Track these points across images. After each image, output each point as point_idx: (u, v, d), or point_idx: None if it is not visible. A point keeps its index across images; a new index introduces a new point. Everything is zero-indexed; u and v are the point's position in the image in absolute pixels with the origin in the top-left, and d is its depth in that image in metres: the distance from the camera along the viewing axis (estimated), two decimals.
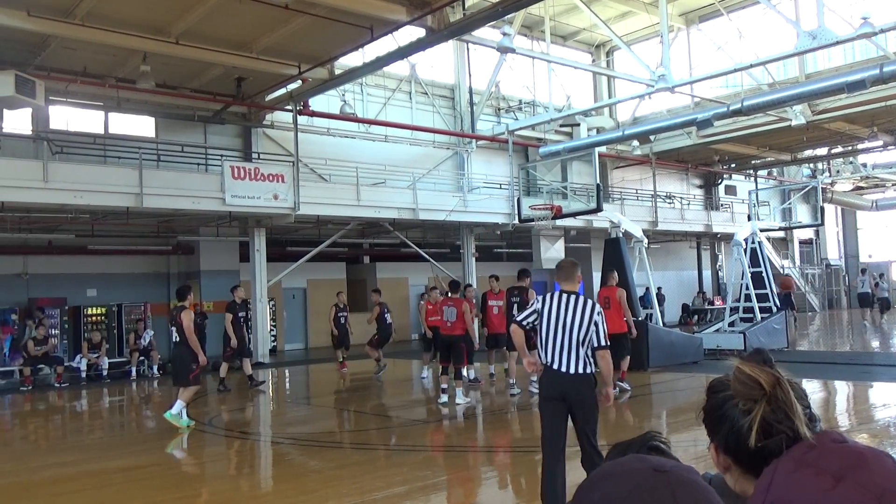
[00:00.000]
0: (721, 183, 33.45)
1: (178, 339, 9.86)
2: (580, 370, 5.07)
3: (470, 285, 15.80)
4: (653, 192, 27.25)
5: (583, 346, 5.09)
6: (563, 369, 5.07)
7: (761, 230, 19.08)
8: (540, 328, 5.17)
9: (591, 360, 5.16)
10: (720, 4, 22.12)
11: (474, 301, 13.79)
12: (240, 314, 14.15)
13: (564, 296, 5.19)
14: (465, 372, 12.04)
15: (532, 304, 5.35)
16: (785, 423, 1.24)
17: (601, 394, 5.31)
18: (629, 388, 11.52)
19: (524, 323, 5.29)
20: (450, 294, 11.71)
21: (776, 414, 1.25)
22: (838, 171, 33.00)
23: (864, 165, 32.71)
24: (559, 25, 25.05)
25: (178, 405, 9.77)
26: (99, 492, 6.95)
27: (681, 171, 30.53)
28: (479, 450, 8.60)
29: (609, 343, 5.28)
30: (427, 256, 21.92)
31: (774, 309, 17.05)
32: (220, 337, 15.06)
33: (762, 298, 17.11)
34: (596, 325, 5.13)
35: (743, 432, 1.26)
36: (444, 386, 11.07)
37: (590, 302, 5.21)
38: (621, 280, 14.73)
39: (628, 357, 11.76)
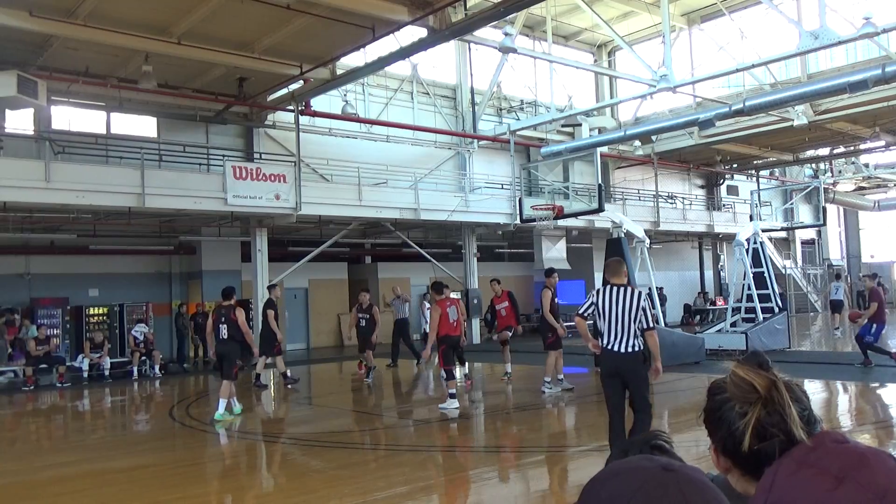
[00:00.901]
0: (723, 183, 33.42)
1: (226, 336, 10.41)
2: (631, 349, 6.15)
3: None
4: (655, 193, 27.23)
5: (634, 328, 6.10)
6: (617, 349, 6.14)
7: (763, 230, 19.06)
8: (598, 316, 6.22)
9: (641, 340, 6.19)
10: (722, 4, 22.08)
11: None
12: (359, 315, 14.26)
13: (615, 288, 6.21)
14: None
15: (589, 298, 6.40)
16: (780, 427, 1.24)
17: (652, 368, 6.27)
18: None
19: (584, 314, 6.44)
20: (433, 295, 11.68)
21: (771, 417, 1.25)
22: (840, 172, 32.97)
23: (867, 166, 32.67)
24: (561, 25, 25.05)
25: (221, 404, 10.23)
26: (100, 491, 6.95)
27: (683, 171, 30.51)
28: (480, 450, 8.60)
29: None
30: (429, 257, 21.91)
31: (776, 309, 17.04)
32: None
33: (764, 299, 17.10)
34: (644, 309, 6.14)
35: (738, 435, 1.26)
36: (453, 391, 10.58)
37: (637, 291, 6.28)
38: None
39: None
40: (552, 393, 11.40)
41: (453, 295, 12.70)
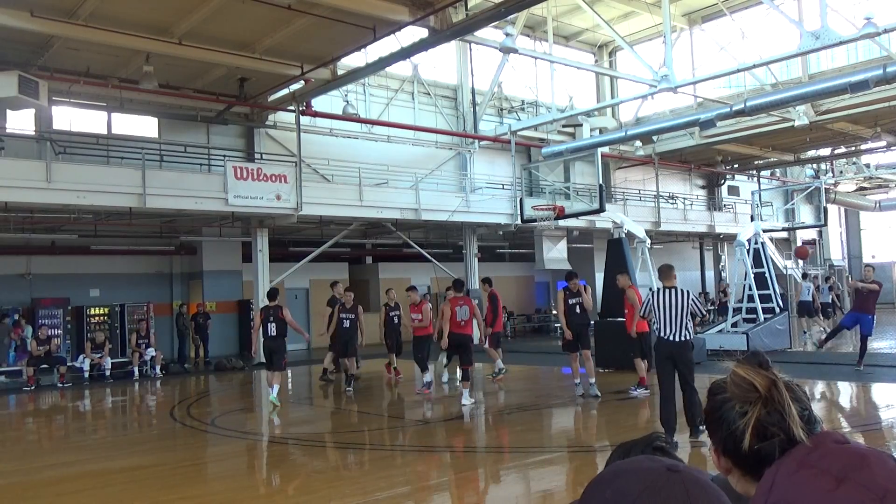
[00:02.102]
0: (724, 183, 33.41)
1: (274, 332, 11.54)
2: (682, 338, 7.58)
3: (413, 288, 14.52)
4: (655, 193, 27.22)
5: (685, 321, 7.57)
6: (671, 338, 7.58)
7: (764, 231, 19.04)
8: (653, 312, 7.73)
9: (690, 331, 7.65)
10: (723, 5, 22.08)
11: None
12: (342, 314, 13.40)
13: (667, 290, 7.74)
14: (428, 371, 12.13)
15: (646, 301, 7.98)
16: (780, 426, 1.24)
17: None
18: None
19: (644, 314, 8.19)
20: (451, 294, 11.66)
21: (771, 417, 1.24)
22: (841, 172, 32.95)
23: (868, 166, 32.66)
24: (562, 26, 25.05)
25: (275, 389, 11.46)
26: (101, 491, 6.95)
27: (683, 171, 30.51)
28: (481, 450, 8.60)
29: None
30: (429, 257, 21.92)
31: (777, 309, 17.03)
32: (223, 336, 15.13)
33: (765, 299, 17.09)
34: (693, 303, 7.75)
35: (739, 435, 1.26)
36: (467, 390, 10.92)
37: (685, 291, 7.82)
38: None
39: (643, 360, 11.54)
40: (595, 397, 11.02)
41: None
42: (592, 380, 11.23)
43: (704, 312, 7.98)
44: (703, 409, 1.35)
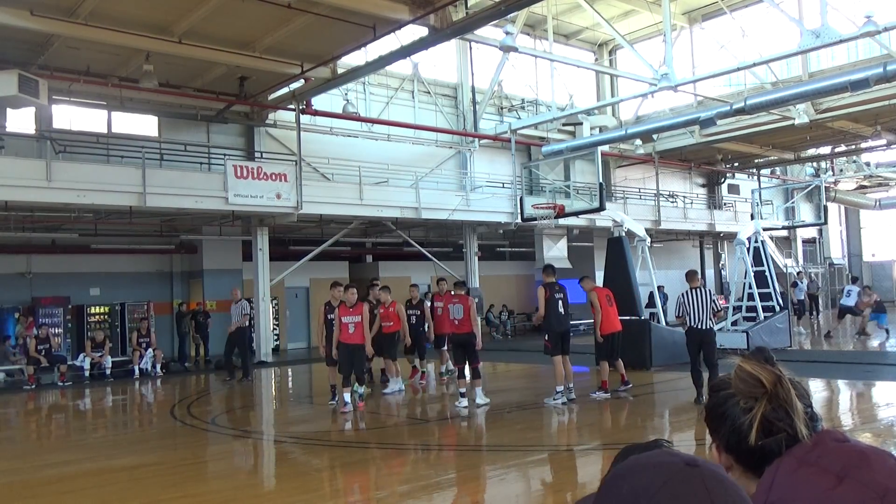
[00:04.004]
0: (724, 182, 33.40)
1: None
2: (707, 327, 9.93)
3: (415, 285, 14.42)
4: (656, 191, 27.22)
5: (709, 313, 9.90)
6: (699, 327, 9.92)
7: (764, 229, 19.03)
8: (685, 308, 10.00)
9: (714, 321, 10.12)
10: (723, 3, 22.06)
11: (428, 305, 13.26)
12: (409, 311, 12.94)
13: (694, 290, 10.04)
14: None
15: (679, 303, 10.14)
16: (785, 422, 1.24)
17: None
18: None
19: (679, 314, 10.25)
20: (452, 292, 11.43)
21: (777, 412, 1.25)
22: (842, 170, 32.95)
23: (868, 164, 32.65)
24: (562, 24, 25.03)
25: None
26: (102, 490, 6.96)
27: (684, 169, 30.50)
28: (481, 449, 8.60)
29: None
30: (430, 256, 21.92)
31: (777, 308, 17.04)
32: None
33: (765, 297, 17.09)
34: (714, 301, 10.07)
35: (743, 430, 1.25)
36: (463, 390, 10.43)
37: (708, 290, 10.34)
38: (624, 279, 14.76)
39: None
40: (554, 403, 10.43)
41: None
42: (570, 384, 10.59)
43: (719, 308, 10.55)
44: (704, 406, 1.36)
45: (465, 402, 10.35)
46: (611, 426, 9.70)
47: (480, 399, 10.52)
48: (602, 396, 10.89)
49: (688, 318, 9.99)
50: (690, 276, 10.30)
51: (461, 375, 10.63)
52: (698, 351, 9.97)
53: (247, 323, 15.42)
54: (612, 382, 11.28)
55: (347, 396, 10.42)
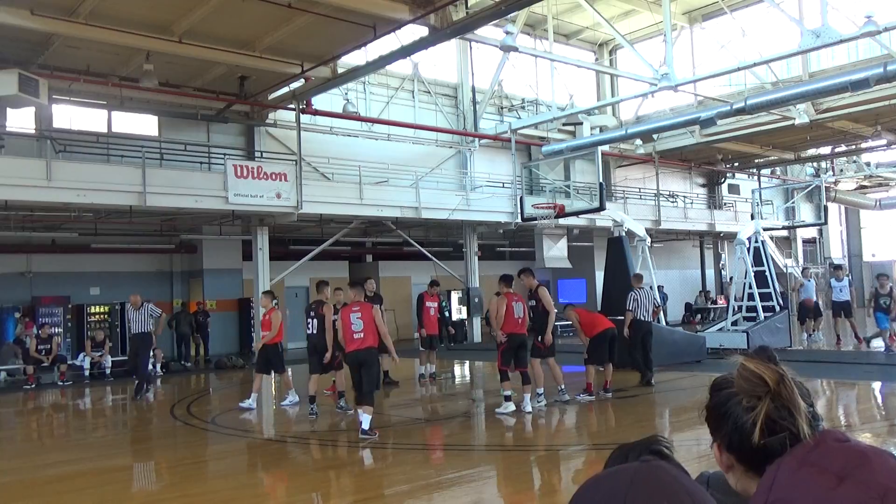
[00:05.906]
0: (724, 182, 33.40)
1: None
2: (647, 320, 11.35)
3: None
4: (656, 191, 27.22)
5: (650, 309, 11.84)
6: (644, 319, 11.59)
7: (764, 229, 19.03)
8: (637, 304, 11.84)
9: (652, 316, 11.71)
10: (723, 3, 22.04)
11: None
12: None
13: (639, 290, 11.51)
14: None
15: (632, 298, 11.79)
16: (788, 421, 1.24)
17: None
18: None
19: (630, 308, 11.89)
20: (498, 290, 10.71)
21: (780, 411, 1.24)
22: (842, 170, 32.94)
23: (868, 164, 32.63)
24: (562, 24, 25.03)
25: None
26: (101, 490, 6.95)
27: (684, 169, 30.50)
28: (481, 449, 8.60)
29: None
30: (430, 255, 21.92)
31: (777, 308, 17.03)
32: (224, 334, 15.10)
33: (765, 297, 17.09)
34: (654, 300, 11.84)
35: (746, 429, 1.25)
36: (508, 393, 9.89)
37: (650, 291, 11.90)
38: (624, 279, 14.75)
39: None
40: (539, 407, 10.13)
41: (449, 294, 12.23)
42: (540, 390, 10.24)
43: (658, 305, 13.18)
44: (705, 406, 1.35)
45: (510, 406, 9.76)
46: (611, 427, 9.68)
47: (528, 406, 9.80)
48: (585, 399, 10.77)
49: (637, 313, 11.89)
50: (636, 279, 12.58)
51: (505, 378, 9.93)
52: (641, 338, 11.80)
53: (150, 328, 13.24)
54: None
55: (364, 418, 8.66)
